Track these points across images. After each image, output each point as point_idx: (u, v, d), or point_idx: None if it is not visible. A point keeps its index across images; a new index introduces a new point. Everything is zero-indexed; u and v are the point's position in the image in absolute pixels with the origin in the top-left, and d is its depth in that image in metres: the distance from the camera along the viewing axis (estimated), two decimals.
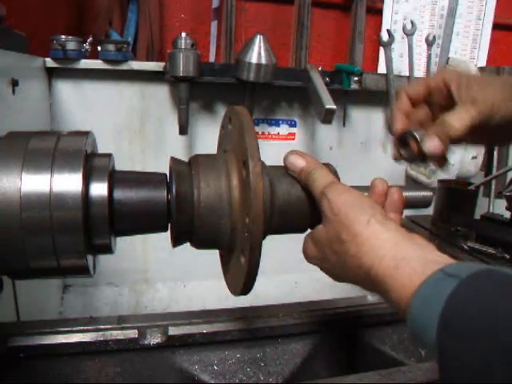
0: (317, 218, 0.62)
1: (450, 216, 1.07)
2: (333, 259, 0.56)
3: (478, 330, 0.37)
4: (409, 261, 0.46)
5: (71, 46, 1.41)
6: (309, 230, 0.66)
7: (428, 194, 0.70)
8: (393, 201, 0.61)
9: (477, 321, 0.38)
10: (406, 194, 0.69)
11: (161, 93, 1.60)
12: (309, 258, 0.62)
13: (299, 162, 0.61)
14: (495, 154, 1.77)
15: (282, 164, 0.65)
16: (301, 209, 0.62)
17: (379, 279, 0.48)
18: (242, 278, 0.58)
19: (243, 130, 0.56)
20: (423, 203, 0.71)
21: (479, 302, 0.39)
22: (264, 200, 0.54)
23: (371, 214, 0.52)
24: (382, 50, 1.76)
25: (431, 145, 0.66)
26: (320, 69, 1.61)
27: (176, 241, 0.61)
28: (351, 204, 0.54)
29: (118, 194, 0.57)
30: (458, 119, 0.65)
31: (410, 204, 0.70)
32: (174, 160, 0.62)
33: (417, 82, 0.74)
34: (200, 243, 0.62)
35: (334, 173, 0.64)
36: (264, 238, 0.57)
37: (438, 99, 0.72)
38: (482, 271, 0.41)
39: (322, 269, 0.62)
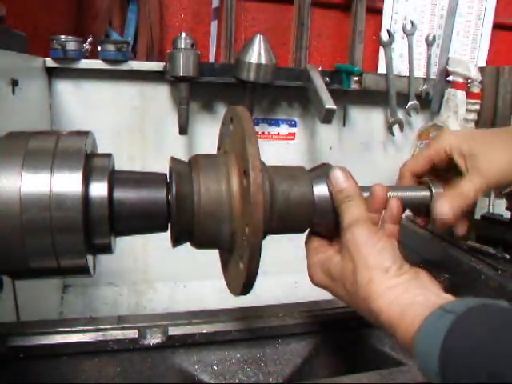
0: (318, 223, 0.62)
1: None
2: (342, 293, 0.59)
3: (475, 361, 0.40)
4: (414, 306, 0.50)
5: (71, 45, 1.41)
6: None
7: (428, 194, 0.70)
8: (392, 213, 0.63)
9: (473, 352, 0.41)
10: (405, 194, 0.69)
11: (161, 93, 1.60)
12: (315, 283, 0.64)
13: (342, 182, 0.61)
14: None
15: (283, 164, 0.65)
16: (300, 212, 0.62)
17: (387, 323, 0.51)
18: (241, 281, 0.58)
19: (245, 137, 0.56)
20: (423, 203, 0.71)
21: (474, 335, 0.42)
22: (264, 209, 0.54)
23: (392, 261, 0.55)
24: (382, 49, 1.76)
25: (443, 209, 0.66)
26: (320, 69, 1.61)
27: (176, 241, 0.61)
28: (376, 247, 0.55)
29: (118, 194, 0.57)
30: (468, 191, 0.67)
31: (410, 204, 0.70)
32: (173, 160, 0.62)
33: (418, 158, 0.74)
34: (200, 244, 0.62)
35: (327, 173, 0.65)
36: (263, 238, 0.57)
37: (442, 169, 0.73)
38: (477, 306, 0.45)
39: (325, 290, 0.63)
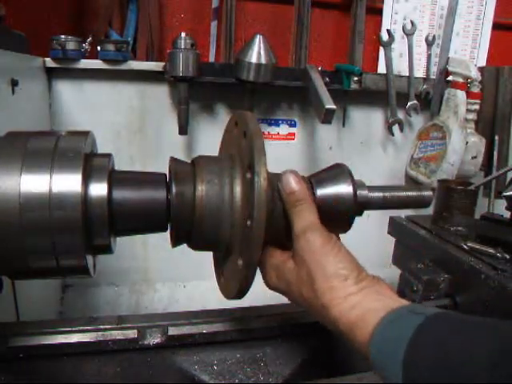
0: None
1: (450, 216, 1.07)
2: (298, 299, 0.58)
3: (441, 361, 0.41)
4: (375, 310, 0.50)
5: (71, 45, 1.41)
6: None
7: (428, 193, 0.70)
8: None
9: (440, 351, 0.42)
10: (405, 193, 0.69)
11: (161, 93, 1.60)
12: (270, 287, 0.63)
13: (293, 185, 0.60)
14: (495, 153, 1.77)
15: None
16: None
17: (347, 327, 0.52)
18: (239, 280, 0.58)
19: (251, 137, 0.56)
20: (423, 203, 0.71)
21: (442, 336, 0.43)
22: (268, 205, 0.55)
23: (350, 269, 0.55)
24: (381, 49, 1.76)
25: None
26: (320, 69, 1.61)
27: (176, 241, 0.61)
28: (332, 255, 0.55)
29: (118, 194, 0.57)
30: None
31: (409, 204, 0.70)
32: (173, 160, 0.62)
33: None
34: (198, 244, 0.62)
35: (349, 173, 0.65)
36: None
37: None
38: (442, 312, 0.47)
39: (282, 294, 0.62)
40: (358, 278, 0.54)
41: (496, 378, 0.37)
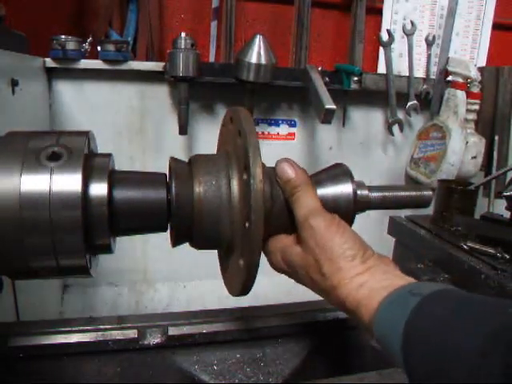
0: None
1: (449, 216, 1.07)
2: (305, 280, 0.59)
3: (435, 338, 0.42)
4: (381, 289, 0.51)
5: (71, 45, 1.41)
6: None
7: (428, 193, 0.70)
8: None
9: (434, 330, 0.43)
10: (405, 193, 0.69)
11: (161, 93, 1.60)
12: (275, 269, 0.64)
13: (289, 173, 0.60)
14: (495, 154, 1.77)
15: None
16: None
17: (354, 305, 0.53)
18: (241, 279, 0.58)
19: (246, 138, 0.56)
20: (423, 203, 0.71)
21: (436, 316, 0.44)
22: (265, 202, 0.55)
23: (357, 248, 0.55)
24: (381, 49, 1.76)
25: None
26: (320, 69, 1.61)
27: (176, 241, 0.61)
28: (337, 237, 0.56)
29: (118, 194, 0.57)
30: None
31: (409, 204, 0.70)
32: (173, 160, 0.62)
33: None
34: (199, 244, 0.62)
35: (349, 173, 0.65)
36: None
37: None
38: (439, 290, 0.47)
39: (288, 276, 0.64)
40: (364, 257, 0.55)
41: (488, 360, 0.38)
